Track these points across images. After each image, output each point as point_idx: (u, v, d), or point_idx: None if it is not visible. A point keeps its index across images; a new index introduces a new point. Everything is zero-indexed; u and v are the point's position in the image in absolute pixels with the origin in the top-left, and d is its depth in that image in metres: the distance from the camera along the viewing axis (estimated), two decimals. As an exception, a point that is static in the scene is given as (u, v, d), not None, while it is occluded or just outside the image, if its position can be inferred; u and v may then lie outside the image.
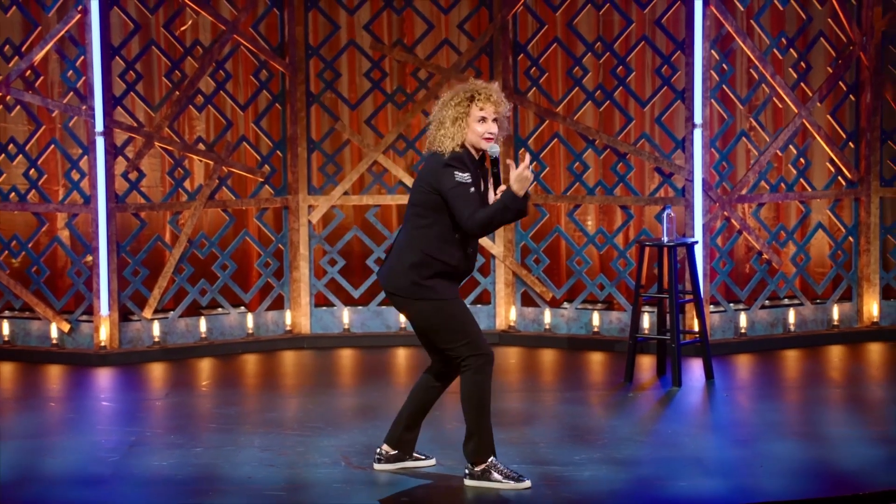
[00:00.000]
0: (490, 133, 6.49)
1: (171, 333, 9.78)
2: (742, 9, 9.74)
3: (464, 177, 6.45)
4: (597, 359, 9.57)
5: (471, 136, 6.49)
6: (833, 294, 10.08)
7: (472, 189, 6.44)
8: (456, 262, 6.51)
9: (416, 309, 6.53)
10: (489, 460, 6.55)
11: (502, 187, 6.48)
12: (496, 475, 6.54)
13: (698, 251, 9.43)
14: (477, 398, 6.49)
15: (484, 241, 10.06)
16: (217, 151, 9.86)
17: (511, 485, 6.51)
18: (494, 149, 6.52)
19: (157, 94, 9.81)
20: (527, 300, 10.11)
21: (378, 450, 6.87)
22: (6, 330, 9.76)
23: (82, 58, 9.50)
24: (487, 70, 10.00)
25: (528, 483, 6.52)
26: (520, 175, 6.37)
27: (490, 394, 6.52)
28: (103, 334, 9.53)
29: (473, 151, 6.53)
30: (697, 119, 9.55)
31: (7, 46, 9.71)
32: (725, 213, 9.68)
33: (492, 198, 6.58)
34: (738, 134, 9.80)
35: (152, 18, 9.72)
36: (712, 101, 9.62)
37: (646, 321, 9.66)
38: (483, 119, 6.48)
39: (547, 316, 10.02)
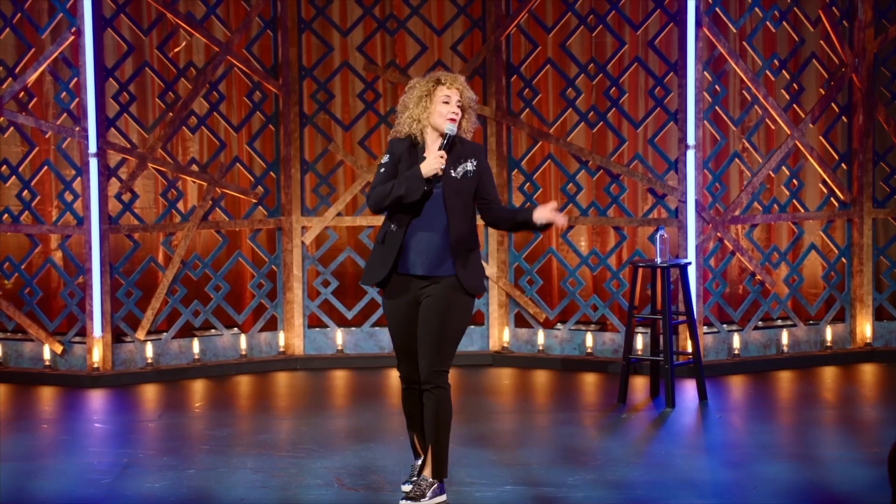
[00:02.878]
0: (453, 114, 6.49)
1: (164, 355, 9.77)
2: (735, 30, 9.77)
3: (383, 159, 6.54)
4: (590, 380, 9.57)
5: (434, 118, 6.49)
6: (826, 315, 10.08)
7: (383, 169, 6.49)
8: (381, 238, 6.52)
9: None
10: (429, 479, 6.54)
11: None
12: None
13: (691, 272, 9.44)
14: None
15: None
16: (210, 173, 9.87)
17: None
18: (452, 128, 6.50)
19: (151, 115, 9.82)
20: (520, 321, 10.11)
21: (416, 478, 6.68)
22: (-1, 351, 9.75)
23: (76, 79, 9.51)
24: (481, 91, 10.02)
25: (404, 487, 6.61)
26: (432, 158, 6.41)
27: (404, 409, 6.64)
28: (96, 356, 9.51)
29: (434, 135, 6.50)
30: (690, 140, 9.57)
31: (0, 68, 9.71)
32: (718, 234, 9.69)
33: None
34: (731, 155, 9.82)
35: (146, 40, 9.74)
36: (705, 122, 9.64)
37: (639, 342, 9.66)
38: (447, 100, 6.49)
39: (540, 337, 10.02)
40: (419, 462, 6.66)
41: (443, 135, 6.50)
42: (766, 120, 9.87)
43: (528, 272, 10.05)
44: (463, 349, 10.13)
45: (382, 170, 6.49)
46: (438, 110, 6.48)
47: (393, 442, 7.73)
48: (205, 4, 9.81)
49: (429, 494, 6.48)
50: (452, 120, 6.49)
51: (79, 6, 9.40)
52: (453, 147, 6.53)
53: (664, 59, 9.68)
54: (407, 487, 6.65)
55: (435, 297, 6.45)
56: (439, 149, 6.47)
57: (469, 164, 6.54)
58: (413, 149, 6.53)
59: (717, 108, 9.71)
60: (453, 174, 6.50)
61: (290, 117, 10.00)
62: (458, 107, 6.50)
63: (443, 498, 6.53)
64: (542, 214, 6.48)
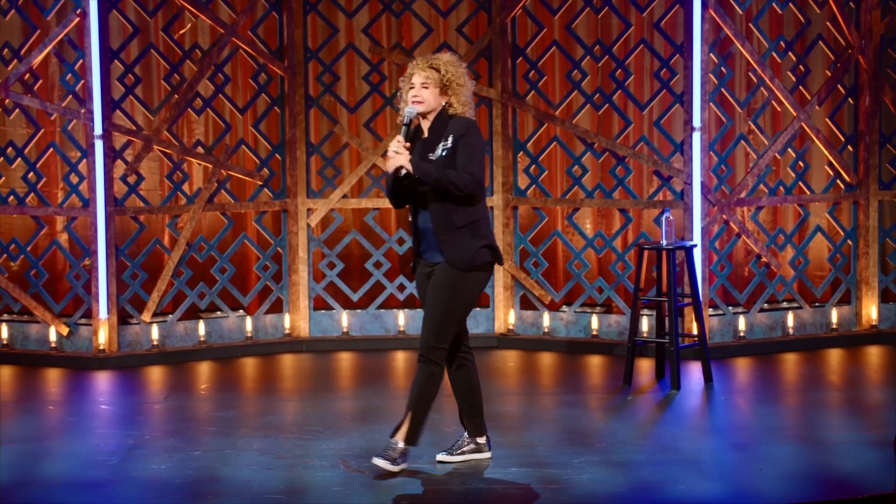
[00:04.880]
0: (415, 96, 6.69)
1: (169, 337, 9.78)
2: (741, 12, 9.75)
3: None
4: (595, 362, 9.57)
5: (406, 108, 6.73)
6: (832, 297, 10.08)
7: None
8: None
9: None
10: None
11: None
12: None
13: (697, 254, 9.43)
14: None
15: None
16: (216, 155, 9.87)
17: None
18: (411, 109, 6.69)
19: (156, 97, 9.81)
20: (525, 303, 10.11)
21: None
22: (5, 333, 9.75)
23: (81, 61, 9.50)
24: (486, 73, 10.01)
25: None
26: (392, 153, 6.61)
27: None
28: (102, 338, 9.53)
29: (426, 123, 6.73)
30: (696, 122, 9.55)
31: (6, 50, 9.71)
32: (724, 216, 9.68)
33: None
34: (737, 137, 9.80)
35: (151, 22, 9.73)
36: (711, 104, 9.63)
37: (644, 324, 9.66)
38: (412, 86, 6.70)
39: (546, 319, 10.02)
40: (465, 433, 7.03)
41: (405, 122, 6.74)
42: (773, 102, 9.85)
43: (533, 254, 10.04)
44: (469, 331, 10.12)
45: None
46: (405, 98, 6.74)
47: (390, 421, 7.73)
48: (210, -14, 9.80)
49: (399, 460, 6.78)
50: (416, 102, 6.70)
51: (84, -12, 9.40)
52: (435, 129, 6.71)
53: (670, 40, 9.66)
54: (444, 457, 6.99)
55: (433, 277, 6.77)
56: (404, 137, 6.66)
57: (449, 141, 6.65)
58: (415, 137, 6.77)
59: (723, 90, 9.70)
60: (432, 157, 6.68)
61: (295, 99, 9.99)
62: (423, 87, 6.68)
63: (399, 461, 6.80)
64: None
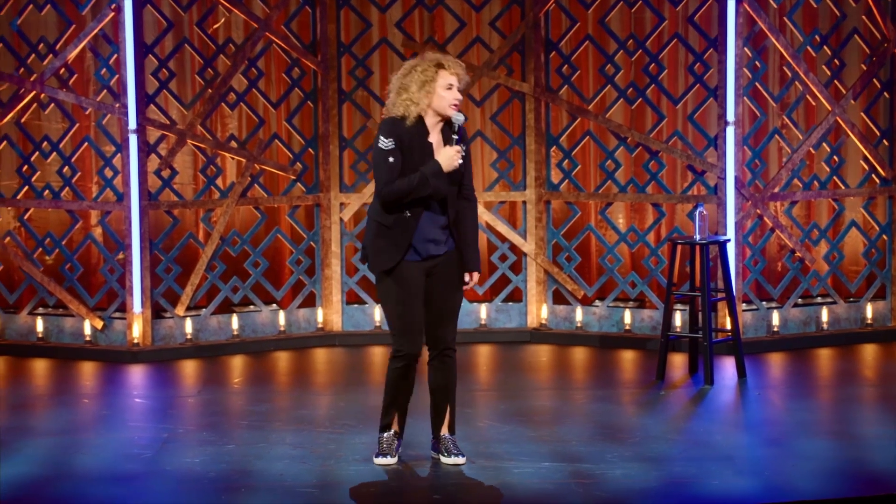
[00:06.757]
0: (457, 100, 6.59)
1: (203, 330, 9.82)
2: (775, 6, 9.71)
3: (386, 143, 6.56)
4: (628, 357, 9.56)
5: (438, 102, 6.58)
6: (867, 292, 10.03)
7: (392, 159, 6.52)
8: (390, 223, 6.57)
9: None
10: (379, 433, 6.90)
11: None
12: (377, 447, 6.90)
13: (730, 249, 9.40)
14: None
15: (515, 239, 10.06)
16: (249, 149, 9.89)
17: (374, 458, 6.87)
18: (460, 117, 6.61)
19: (190, 91, 9.84)
20: (558, 298, 10.10)
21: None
22: (40, 327, 9.81)
23: (116, 56, 9.54)
24: (519, 67, 10.00)
25: (384, 461, 6.81)
26: (450, 156, 6.52)
27: (394, 385, 6.81)
28: (136, 331, 9.57)
29: (434, 119, 6.59)
30: (730, 116, 9.52)
31: (41, 45, 9.75)
32: (758, 210, 9.64)
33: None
34: (771, 131, 9.76)
35: (185, 16, 9.76)
36: (745, 98, 9.59)
37: (678, 319, 9.63)
38: (451, 86, 6.58)
39: (578, 314, 10.00)
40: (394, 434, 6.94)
41: (446, 121, 6.62)
42: (807, 96, 9.80)
43: (566, 249, 10.03)
44: (501, 326, 10.15)
45: (392, 159, 6.54)
46: (441, 95, 6.58)
47: (429, 417, 7.73)
48: (243, -19, 9.82)
49: (459, 447, 6.86)
50: (456, 107, 6.61)
51: (118, -17, 9.43)
52: (444, 130, 6.65)
53: (704, 34, 9.63)
54: (385, 461, 6.86)
55: (445, 271, 6.69)
56: (456, 142, 6.58)
57: (463, 148, 6.66)
58: (419, 134, 6.59)
59: (757, 84, 9.66)
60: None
61: (328, 94, 10.00)
62: (458, 90, 6.61)
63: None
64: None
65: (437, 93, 6.56)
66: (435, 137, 6.63)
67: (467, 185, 6.72)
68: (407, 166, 6.54)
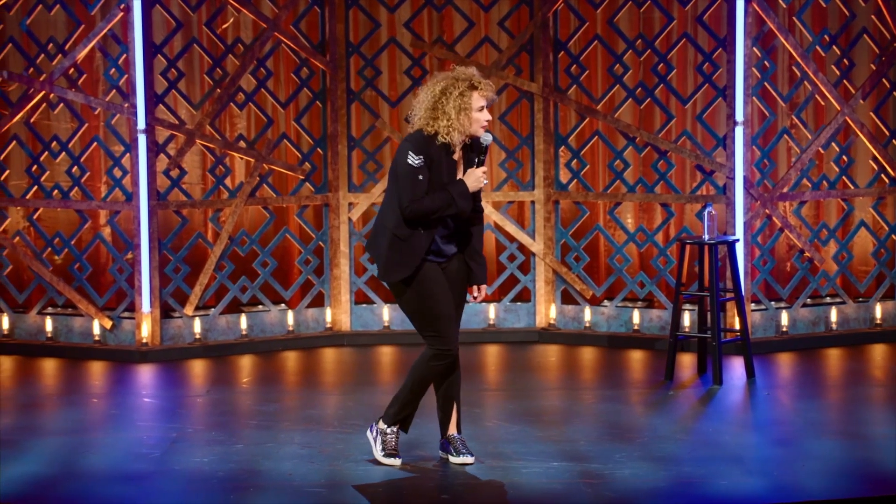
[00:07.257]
0: (487, 120, 6.60)
1: (211, 330, 9.82)
2: (784, 6, 9.70)
3: (416, 161, 6.52)
4: (637, 357, 9.55)
5: (474, 128, 6.59)
6: (876, 292, 10.02)
7: (421, 177, 6.50)
8: (405, 236, 6.55)
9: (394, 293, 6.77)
10: (387, 428, 6.78)
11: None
12: (379, 443, 6.81)
13: (739, 249, 9.39)
14: (421, 376, 6.75)
15: (524, 239, 10.06)
16: (258, 149, 9.90)
17: (380, 456, 6.79)
18: (488, 137, 6.63)
19: (199, 91, 9.85)
20: (567, 298, 10.10)
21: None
22: (49, 326, 9.82)
23: (125, 56, 9.55)
24: (528, 67, 9.99)
25: (394, 462, 6.76)
26: (477, 177, 6.53)
27: (428, 382, 6.77)
28: (145, 331, 9.58)
29: (461, 137, 6.58)
30: (739, 116, 9.51)
31: (51, 44, 9.77)
32: (767, 210, 9.63)
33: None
34: (780, 131, 9.75)
35: (194, 16, 9.77)
36: (754, 98, 9.58)
37: (686, 319, 9.63)
38: (482, 108, 6.58)
39: (587, 314, 10.00)
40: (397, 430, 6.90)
41: (473, 139, 6.61)
42: (816, 96, 9.79)
43: (574, 249, 10.03)
44: (510, 326, 10.15)
45: (421, 177, 6.52)
46: (476, 118, 6.58)
47: (435, 417, 7.73)
48: (252, -19, 9.83)
49: (467, 446, 6.87)
50: (485, 128, 6.61)
51: (127, -17, 9.45)
52: (466, 149, 6.66)
53: (713, 34, 9.62)
54: (393, 461, 6.81)
55: (458, 272, 6.74)
56: (479, 164, 6.59)
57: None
58: (446, 152, 6.59)
59: (765, 83, 9.65)
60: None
61: (337, 94, 10.01)
62: (488, 111, 6.63)
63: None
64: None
65: (472, 116, 6.56)
66: (458, 154, 6.66)
67: (478, 196, 6.73)
68: (432, 183, 6.55)
